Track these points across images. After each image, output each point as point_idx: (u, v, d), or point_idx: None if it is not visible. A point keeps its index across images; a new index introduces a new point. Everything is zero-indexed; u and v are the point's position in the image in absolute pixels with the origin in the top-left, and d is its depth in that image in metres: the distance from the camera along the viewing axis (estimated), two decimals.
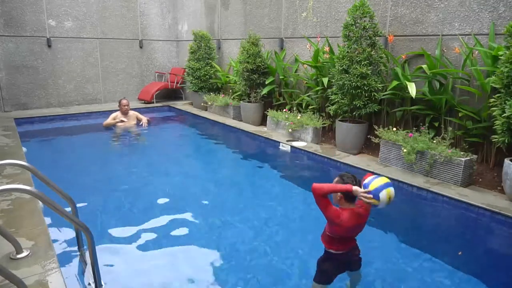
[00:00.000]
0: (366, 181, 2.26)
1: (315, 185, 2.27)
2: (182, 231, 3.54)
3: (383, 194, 2.17)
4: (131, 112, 7.72)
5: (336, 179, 2.39)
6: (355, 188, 2.24)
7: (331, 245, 2.44)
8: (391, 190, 2.20)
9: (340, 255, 2.44)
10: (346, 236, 2.40)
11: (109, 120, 7.47)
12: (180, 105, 10.11)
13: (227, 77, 8.73)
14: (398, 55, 5.45)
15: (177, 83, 10.42)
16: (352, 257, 2.52)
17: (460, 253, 3.20)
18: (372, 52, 5.18)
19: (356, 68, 5.12)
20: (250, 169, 5.53)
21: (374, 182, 2.20)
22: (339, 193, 2.33)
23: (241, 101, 7.83)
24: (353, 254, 2.52)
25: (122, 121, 7.48)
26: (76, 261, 2.93)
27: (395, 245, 3.36)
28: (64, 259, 2.89)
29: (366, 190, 2.21)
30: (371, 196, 2.18)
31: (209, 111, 8.91)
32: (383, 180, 2.22)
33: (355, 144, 5.53)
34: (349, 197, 2.33)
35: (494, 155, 4.56)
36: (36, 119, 8.19)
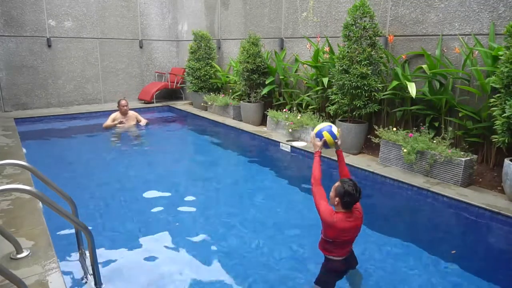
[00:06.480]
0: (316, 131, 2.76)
1: (312, 184, 2.53)
2: (182, 231, 3.54)
3: (334, 129, 2.73)
4: (131, 113, 7.71)
5: (337, 183, 2.40)
6: (317, 146, 2.70)
7: (330, 251, 2.44)
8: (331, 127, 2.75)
9: (341, 261, 2.44)
10: (341, 239, 2.39)
11: (109, 122, 7.44)
12: (180, 105, 10.11)
13: (227, 77, 8.73)
14: (398, 55, 5.45)
15: (177, 83, 10.42)
16: (351, 261, 2.53)
17: (453, 252, 3.20)
18: (372, 52, 5.18)
19: (356, 68, 5.12)
20: (250, 169, 5.52)
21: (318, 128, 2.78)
22: (336, 198, 2.36)
23: (241, 101, 7.83)
24: (352, 259, 2.53)
25: (121, 122, 7.45)
26: (76, 261, 2.93)
27: (395, 245, 3.36)
28: (64, 259, 2.90)
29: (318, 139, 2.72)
30: (319, 139, 2.71)
31: (209, 111, 8.91)
32: (324, 124, 2.80)
33: (355, 144, 5.53)
34: (347, 203, 2.33)
35: (494, 155, 4.56)
36: (36, 119, 8.20)
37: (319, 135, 2.73)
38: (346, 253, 2.44)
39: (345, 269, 2.52)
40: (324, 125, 2.78)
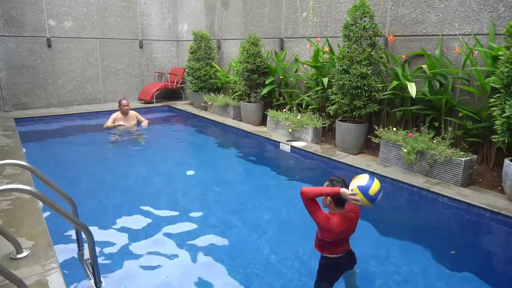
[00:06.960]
0: (363, 185, 2.18)
1: (304, 188, 2.27)
2: (182, 230, 3.54)
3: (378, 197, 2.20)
4: (131, 112, 7.72)
5: (326, 183, 2.38)
6: (342, 190, 2.21)
7: (325, 249, 2.43)
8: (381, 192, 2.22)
9: (336, 259, 2.43)
10: (338, 239, 2.39)
11: (109, 122, 7.46)
12: (180, 105, 10.11)
13: (227, 77, 8.74)
14: (398, 55, 5.45)
15: (177, 83, 10.42)
16: (348, 260, 2.51)
17: (453, 252, 3.20)
18: (372, 52, 5.18)
19: (356, 68, 5.12)
20: (250, 169, 5.52)
21: (372, 188, 2.17)
22: (328, 198, 2.32)
23: (241, 101, 7.83)
24: (349, 257, 2.51)
25: (120, 125, 7.47)
26: (76, 261, 2.93)
27: (395, 245, 3.36)
28: (64, 259, 2.89)
29: (354, 192, 2.18)
30: (359, 198, 2.16)
31: (209, 111, 8.91)
32: (378, 186, 2.20)
33: (355, 144, 5.53)
34: (339, 201, 2.31)
35: (494, 155, 4.56)
36: (36, 119, 8.20)
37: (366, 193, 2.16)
38: (341, 251, 2.44)
39: (341, 266, 2.51)
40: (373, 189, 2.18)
